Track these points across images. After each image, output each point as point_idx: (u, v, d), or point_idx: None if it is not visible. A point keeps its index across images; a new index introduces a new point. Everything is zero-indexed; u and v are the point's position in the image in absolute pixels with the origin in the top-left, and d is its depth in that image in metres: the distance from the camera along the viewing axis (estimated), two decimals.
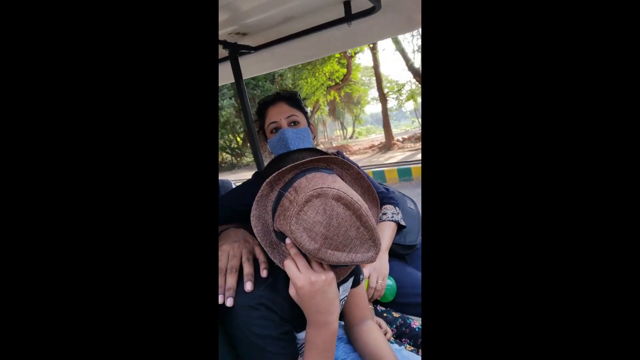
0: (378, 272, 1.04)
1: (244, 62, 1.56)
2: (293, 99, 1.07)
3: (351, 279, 0.80)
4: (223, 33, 1.34)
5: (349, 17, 1.15)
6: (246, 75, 1.67)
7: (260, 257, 0.70)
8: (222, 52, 1.56)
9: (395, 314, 1.08)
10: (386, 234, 1.13)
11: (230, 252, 0.69)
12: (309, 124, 1.08)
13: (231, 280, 0.65)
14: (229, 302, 0.63)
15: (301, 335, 0.70)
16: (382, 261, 1.08)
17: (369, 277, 1.02)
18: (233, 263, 0.67)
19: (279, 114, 1.03)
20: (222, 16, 1.22)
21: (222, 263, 0.68)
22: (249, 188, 1.08)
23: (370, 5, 1.09)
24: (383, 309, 1.10)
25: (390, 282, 1.08)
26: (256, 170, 1.33)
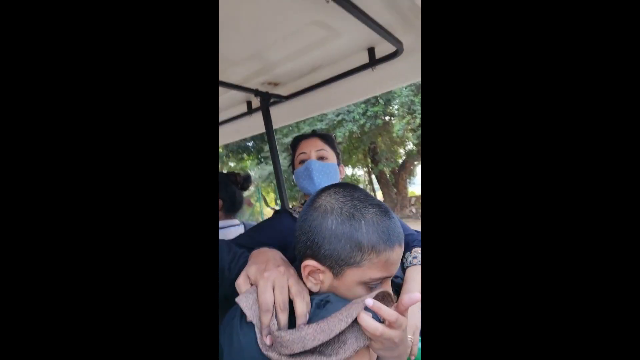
0: (408, 325, 0.89)
1: (276, 111, 1.63)
2: (327, 137, 1.08)
3: None
4: (256, 82, 1.43)
5: (373, 62, 1.18)
6: (279, 124, 1.73)
7: (299, 304, 0.52)
8: (255, 102, 1.65)
9: None
10: (418, 279, 0.99)
11: (277, 282, 0.53)
12: (338, 164, 1.06)
13: (284, 318, 0.51)
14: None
15: None
16: (414, 311, 0.89)
17: None
18: (284, 297, 0.52)
19: (310, 146, 1.03)
20: (254, 66, 1.31)
21: (266, 296, 0.51)
22: (269, 226, 1.05)
23: (393, 49, 1.11)
24: None
25: None
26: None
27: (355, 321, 0.48)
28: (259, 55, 1.21)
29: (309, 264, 0.55)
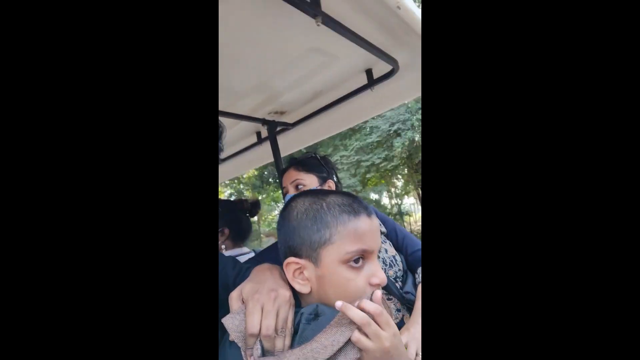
0: (418, 342, 0.83)
1: (285, 139, 1.69)
2: (303, 163, 1.11)
3: None
4: (263, 112, 1.51)
5: (371, 82, 1.23)
6: (288, 150, 1.79)
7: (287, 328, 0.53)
8: (265, 132, 1.72)
9: None
10: None
11: (266, 306, 0.52)
12: (324, 181, 1.08)
13: (268, 344, 0.50)
14: None
15: None
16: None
17: (405, 347, 0.84)
18: (269, 323, 0.50)
19: (286, 180, 1.10)
20: (260, 97, 1.39)
21: (253, 319, 0.50)
22: (275, 249, 1.07)
23: (390, 68, 1.16)
24: None
25: None
26: None
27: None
28: (264, 85, 1.28)
29: (289, 261, 0.56)
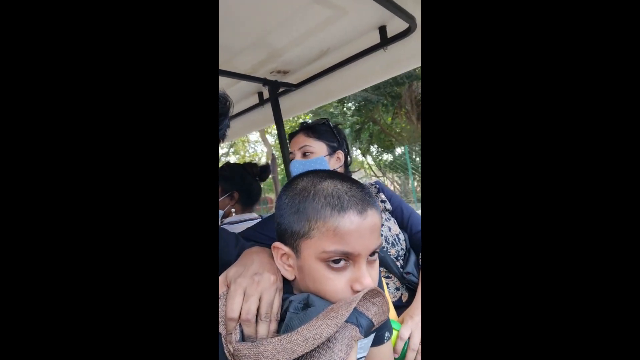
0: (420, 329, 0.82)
1: (288, 101, 1.58)
2: (314, 129, 1.03)
3: (372, 336, 0.62)
4: (264, 72, 1.38)
5: (385, 42, 1.10)
6: (292, 113, 1.68)
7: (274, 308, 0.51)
8: (267, 93, 1.60)
9: None
10: None
11: (248, 290, 0.50)
12: (333, 151, 1.01)
13: (248, 330, 0.48)
14: None
15: None
16: None
17: (405, 337, 0.76)
18: (249, 307, 0.48)
19: (295, 145, 1.04)
20: (261, 55, 1.26)
21: (233, 302, 0.48)
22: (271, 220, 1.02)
23: (406, 26, 1.02)
24: None
25: None
26: None
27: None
28: (263, 41, 1.15)
29: (275, 245, 0.53)
